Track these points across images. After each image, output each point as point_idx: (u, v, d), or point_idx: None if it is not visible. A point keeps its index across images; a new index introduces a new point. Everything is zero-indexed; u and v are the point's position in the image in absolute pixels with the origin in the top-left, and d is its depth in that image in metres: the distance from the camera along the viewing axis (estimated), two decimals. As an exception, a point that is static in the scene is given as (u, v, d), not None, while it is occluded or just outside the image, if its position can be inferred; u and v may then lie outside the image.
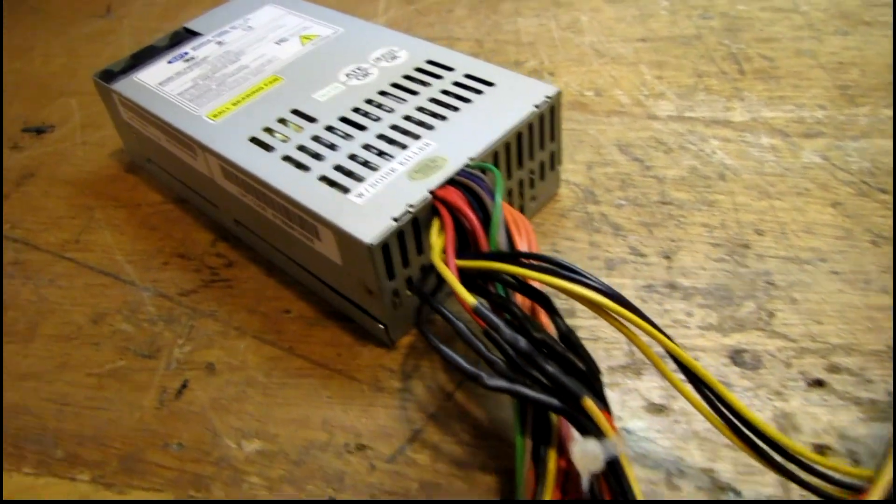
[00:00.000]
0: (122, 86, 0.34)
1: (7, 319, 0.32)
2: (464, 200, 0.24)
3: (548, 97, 0.28)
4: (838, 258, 0.28)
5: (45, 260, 0.34)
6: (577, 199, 0.32)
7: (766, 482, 0.22)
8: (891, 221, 0.29)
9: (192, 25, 0.38)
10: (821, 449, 0.22)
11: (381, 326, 0.26)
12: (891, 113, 0.35)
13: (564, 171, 0.33)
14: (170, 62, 0.35)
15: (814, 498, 0.19)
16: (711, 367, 0.25)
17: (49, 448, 0.26)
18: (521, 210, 0.30)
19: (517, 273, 0.21)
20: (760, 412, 0.23)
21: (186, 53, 0.35)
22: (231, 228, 0.33)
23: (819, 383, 0.24)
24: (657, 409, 0.24)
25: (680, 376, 0.20)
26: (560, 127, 0.30)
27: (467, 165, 0.25)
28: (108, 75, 0.35)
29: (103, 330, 0.30)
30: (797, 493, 0.21)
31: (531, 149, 0.29)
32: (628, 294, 0.28)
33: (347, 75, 0.31)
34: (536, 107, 0.28)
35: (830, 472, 0.19)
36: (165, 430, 0.26)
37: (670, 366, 0.20)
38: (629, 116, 0.36)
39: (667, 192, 0.32)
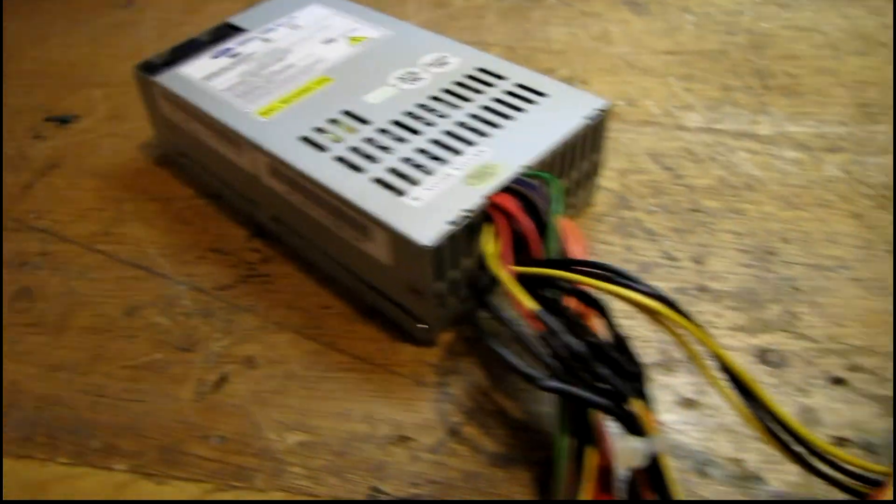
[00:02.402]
0: (164, 78, 0.34)
1: (36, 311, 0.31)
2: (519, 208, 0.24)
3: (599, 109, 0.29)
4: (859, 266, 0.29)
5: (75, 252, 0.34)
6: (611, 205, 0.33)
7: (790, 471, 0.22)
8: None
9: (235, 21, 0.38)
10: (840, 441, 0.24)
11: (424, 326, 0.27)
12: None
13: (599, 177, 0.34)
14: (214, 57, 0.35)
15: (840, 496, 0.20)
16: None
17: (85, 439, 0.26)
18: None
19: (574, 280, 0.21)
20: (785, 407, 0.24)
21: (231, 49, 0.35)
22: (268, 225, 0.33)
23: (840, 381, 0.25)
24: (689, 403, 0.25)
25: (714, 373, 0.21)
26: (604, 139, 0.30)
27: (522, 173, 0.26)
28: (149, 67, 0.35)
29: (137, 323, 0.30)
30: (820, 485, 0.21)
31: (577, 159, 0.29)
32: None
33: (399, 79, 0.31)
34: (588, 119, 0.28)
35: (849, 466, 0.20)
36: (205, 422, 0.26)
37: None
38: (660, 127, 0.37)
39: (697, 201, 0.33)
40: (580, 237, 0.24)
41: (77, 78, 0.47)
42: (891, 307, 0.28)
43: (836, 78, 0.40)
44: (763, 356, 0.26)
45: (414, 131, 0.28)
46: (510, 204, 0.25)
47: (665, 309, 0.21)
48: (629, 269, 0.29)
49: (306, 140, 0.29)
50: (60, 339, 0.30)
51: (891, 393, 0.25)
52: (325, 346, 0.28)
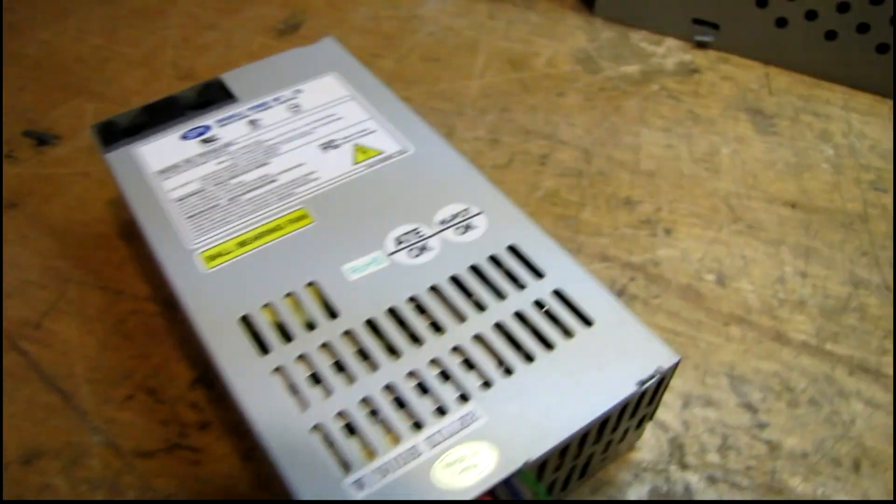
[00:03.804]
0: (117, 157, 0.27)
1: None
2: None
3: (659, 370, 0.20)
4: None
5: (-3, 342, 0.28)
6: (658, 456, 0.24)
7: None
8: None
9: (229, 80, 0.30)
10: None
11: None
12: None
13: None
14: (184, 137, 0.27)
15: None
16: None
17: None
18: (587, 465, 0.22)
19: None
20: None
21: (208, 129, 0.27)
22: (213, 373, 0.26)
23: None
24: None
25: None
26: (662, 395, 0.21)
27: (518, 473, 0.18)
28: (109, 133, 0.28)
29: (31, 478, 0.24)
30: None
31: (617, 426, 0.21)
32: None
33: (398, 242, 0.23)
34: (640, 384, 0.19)
35: None
36: None
37: None
38: (754, 331, 0.27)
39: (777, 475, 0.24)
40: None
41: (75, 80, 0.40)
42: None
43: None
44: None
45: (392, 351, 0.20)
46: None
47: None
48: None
49: (246, 323, 0.21)
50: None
51: None
52: None
